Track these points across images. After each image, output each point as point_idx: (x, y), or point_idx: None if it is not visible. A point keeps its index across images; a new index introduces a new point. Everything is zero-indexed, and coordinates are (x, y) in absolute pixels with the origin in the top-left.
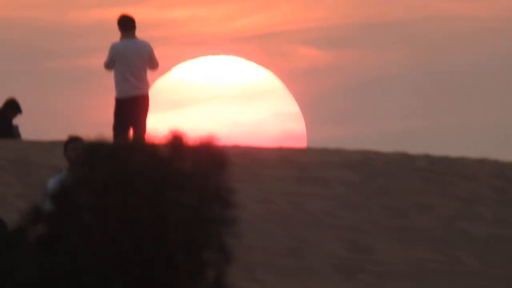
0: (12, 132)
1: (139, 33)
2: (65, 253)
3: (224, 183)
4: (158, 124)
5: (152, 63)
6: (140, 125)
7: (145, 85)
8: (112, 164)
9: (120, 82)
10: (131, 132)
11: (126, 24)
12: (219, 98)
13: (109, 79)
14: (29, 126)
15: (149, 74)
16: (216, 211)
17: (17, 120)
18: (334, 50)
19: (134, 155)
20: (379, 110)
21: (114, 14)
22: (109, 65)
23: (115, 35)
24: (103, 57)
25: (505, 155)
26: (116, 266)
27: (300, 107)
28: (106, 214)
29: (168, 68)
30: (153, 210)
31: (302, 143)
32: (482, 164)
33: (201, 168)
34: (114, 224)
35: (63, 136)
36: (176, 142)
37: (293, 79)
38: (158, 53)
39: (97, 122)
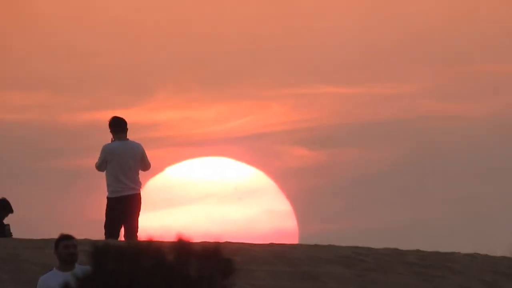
0: (4, 232)
1: (131, 135)
2: None
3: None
4: (150, 223)
5: (144, 164)
6: (132, 224)
7: (137, 185)
8: (119, 266)
9: (112, 182)
10: (122, 230)
11: (118, 125)
12: (211, 197)
13: (100, 178)
14: (20, 225)
15: (142, 174)
16: None
17: (8, 220)
18: (324, 150)
19: (141, 259)
20: (369, 207)
21: (106, 117)
22: (101, 166)
23: (107, 136)
24: (94, 157)
25: (495, 250)
26: None
27: (291, 205)
28: None
29: (160, 169)
30: None
31: (293, 240)
32: (473, 258)
33: (207, 273)
34: None
35: (54, 234)
36: (182, 247)
37: (284, 178)
38: (150, 154)
39: (89, 221)
